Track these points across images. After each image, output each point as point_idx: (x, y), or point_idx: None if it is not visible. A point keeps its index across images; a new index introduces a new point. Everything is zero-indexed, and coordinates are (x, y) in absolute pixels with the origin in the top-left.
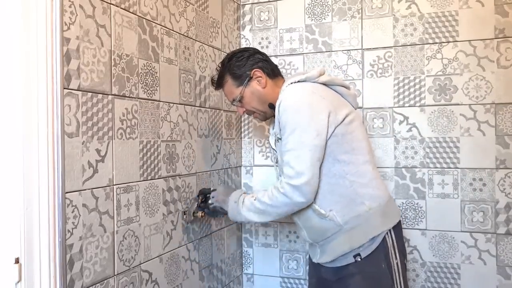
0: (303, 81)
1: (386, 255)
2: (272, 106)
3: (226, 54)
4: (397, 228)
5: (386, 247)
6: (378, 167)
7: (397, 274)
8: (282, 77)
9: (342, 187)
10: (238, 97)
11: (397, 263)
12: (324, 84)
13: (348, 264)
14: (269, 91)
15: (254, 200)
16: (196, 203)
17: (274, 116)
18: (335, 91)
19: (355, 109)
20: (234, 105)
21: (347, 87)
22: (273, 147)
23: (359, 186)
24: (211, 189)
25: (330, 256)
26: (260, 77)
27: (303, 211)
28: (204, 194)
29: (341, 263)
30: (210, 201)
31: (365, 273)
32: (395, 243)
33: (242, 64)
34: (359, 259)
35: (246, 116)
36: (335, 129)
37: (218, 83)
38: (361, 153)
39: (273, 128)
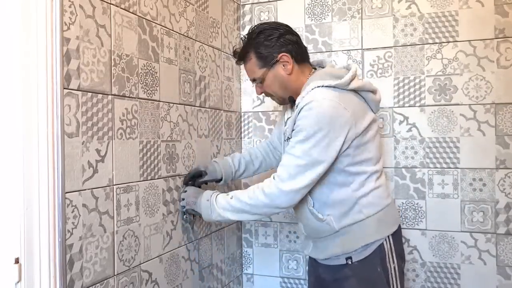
0: (332, 86)
1: (383, 259)
2: (292, 100)
3: (225, 53)
4: (396, 233)
5: (383, 251)
6: None
7: (394, 278)
8: (310, 64)
9: (344, 195)
10: (260, 78)
11: (394, 267)
12: (354, 90)
13: (343, 266)
14: (293, 78)
15: (231, 198)
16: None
17: (291, 107)
18: (363, 97)
19: (375, 113)
20: (253, 83)
21: (373, 92)
22: (281, 142)
23: (360, 195)
24: (182, 190)
25: (322, 254)
26: (287, 62)
27: (301, 209)
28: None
29: (334, 262)
30: (181, 204)
31: (359, 277)
32: (393, 248)
33: (271, 45)
34: (350, 262)
35: (246, 116)
36: (351, 142)
37: (240, 57)
38: (370, 164)
39: (285, 124)
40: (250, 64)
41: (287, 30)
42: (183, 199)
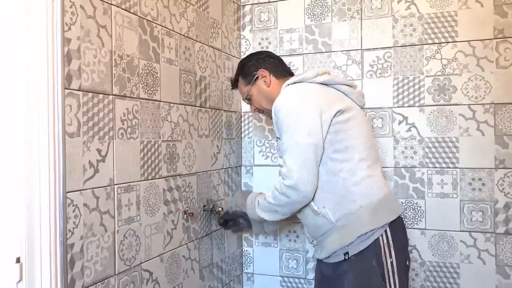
0: (299, 82)
1: (378, 253)
2: None
3: (226, 54)
4: (396, 226)
5: (379, 245)
6: None
7: (390, 273)
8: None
9: (335, 185)
10: (246, 95)
11: (391, 262)
12: (324, 83)
13: (341, 262)
14: (275, 90)
15: (264, 200)
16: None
17: None
18: (338, 90)
19: (362, 107)
20: (246, 103)
21: (350, 86)
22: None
23: (351, 184)
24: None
25: (325, 252)
26: (265, 76)
27: (301, 208)
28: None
29: (334, 259)
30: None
31: (355, 271)
32: (390, 242)
33: (252, 65)
34: (347, 257)
35: (246, 116)
36: (329, 126)
37: (233, 84)
38: (356, 151)
39: None
40: (239, 85)
41: (266, 54)
42: (227, 212)
